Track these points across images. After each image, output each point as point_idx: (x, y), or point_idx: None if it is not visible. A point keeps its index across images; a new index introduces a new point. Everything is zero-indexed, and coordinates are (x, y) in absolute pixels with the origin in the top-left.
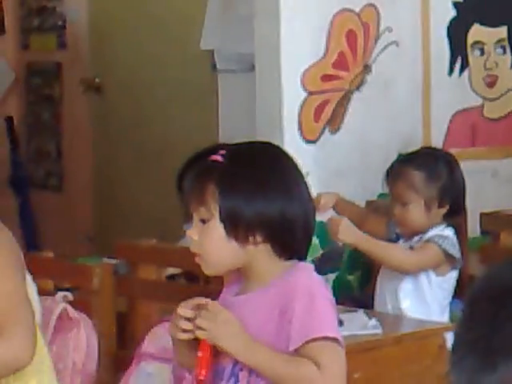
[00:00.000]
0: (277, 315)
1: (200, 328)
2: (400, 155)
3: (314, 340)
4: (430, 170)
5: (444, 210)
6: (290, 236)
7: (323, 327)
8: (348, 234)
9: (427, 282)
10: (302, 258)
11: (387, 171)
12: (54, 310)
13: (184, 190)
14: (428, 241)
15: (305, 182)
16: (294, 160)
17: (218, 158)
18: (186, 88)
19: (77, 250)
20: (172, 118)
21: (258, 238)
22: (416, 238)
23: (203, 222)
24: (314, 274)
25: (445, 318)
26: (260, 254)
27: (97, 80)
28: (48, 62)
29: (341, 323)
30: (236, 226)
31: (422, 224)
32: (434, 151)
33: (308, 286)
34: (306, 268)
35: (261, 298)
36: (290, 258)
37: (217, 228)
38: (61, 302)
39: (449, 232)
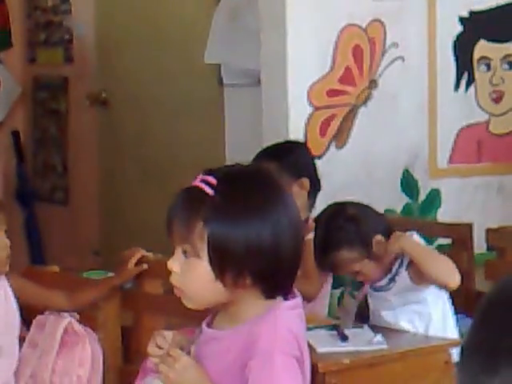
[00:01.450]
0: (238, 367)
1: (161, 373)
2: (314, 245)
3: None
4: (345, 239)
5: (380, 240)
6: (280, 274)
7: None
8: (398, 246)
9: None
10: (286, 293)
11: (317, 263)
12: (60, 325)
13: (168, 216)
14: None
15: (295, 208)
16: (284, 185)
17: (208, 189)
18: (193, 102)
19: (82, 264)
20: (178, 132)
21: (248, 282)
22: (386, 278)
23: (185, 253)
24: (285, 322)
25: (450, 324)
26: (246, 295)
27: (103, 94)
28: (55, 76)
29: (346, 338)
30: (225, 269)
31: (383, 265)
32: (325, 217)
33: (269, 346)
34: (278, 317)
35: (230, 339)
36: (275, 297)
37: (203, 268)
38: (66, 316)
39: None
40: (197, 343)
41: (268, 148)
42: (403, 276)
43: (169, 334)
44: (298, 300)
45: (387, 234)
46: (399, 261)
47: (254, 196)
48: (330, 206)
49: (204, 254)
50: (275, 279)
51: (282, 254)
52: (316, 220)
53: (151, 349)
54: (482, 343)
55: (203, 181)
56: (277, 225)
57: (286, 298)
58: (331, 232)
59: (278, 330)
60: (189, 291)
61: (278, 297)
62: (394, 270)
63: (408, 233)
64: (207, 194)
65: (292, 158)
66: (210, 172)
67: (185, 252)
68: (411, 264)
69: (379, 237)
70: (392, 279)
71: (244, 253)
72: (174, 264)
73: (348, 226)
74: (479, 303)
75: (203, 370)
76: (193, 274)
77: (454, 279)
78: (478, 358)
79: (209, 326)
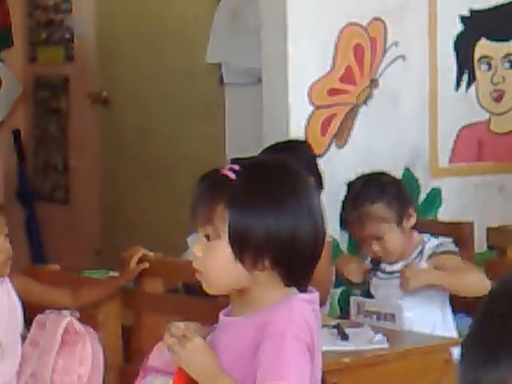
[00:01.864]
0: (251, 354)
1: (172, 352)
2: (345, 199)
3: None
4: (382, 194)
5: (412, 218)
6: (298, 261)
7: (284, 375)
8: (419, 280)
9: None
10: (303, 283)
11: (342, 220)
12: (61, 324)
13: (193, 203)
14: (443, 253)
15: (318, 201)
16: (308, 178)
17: (230, 173)
18: (193, 101)
19: (83, 263)
20: (179, 130)
21: (266, 264)
22: (402, 263)
23: (208, 238)
24: (300, 310)
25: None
26: (264, 279)
27: (104, 93)
28: (55, 75)
29: (347, 338)
30: (245, 250)
31: (404, 245)
32: (363, 177)
33: (282, 329)
34: (293, 304)
35: (246, 325)
36: (292, 285)
37: (223, 249)
38: (67, 315)
39: (435, 239)
40: (213, 334)
41: (270, 147)
42: (423, 267)
43: (183, 324)
44: (315, 296)
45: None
46: (419, 249)
47: (275, 182)
48: (364, 175)
49: (225, 234)
50: (293, 265)
51: (300, 241)
52: (349, 183)
53: (167, 338)
54: (484, 336)
55: (228, 168)
56: (296, 212)
57: (302, 291)
58: (370, 187)
59: (292, 315)
60: (209, 274)
61: (295, 285)
62: (410, 259)
63: (440, 240)
64: (230, 179)
65: (295, 157)
66: (236, 161)
67: (207, 236)
68: (435, 256)
69: (412, 210)
70: (406, 266)
71: (263, 236)
72: (197, 248)
73: (389, 186)
74: (482, 298)
75: (215, 355)
76: (214, 256)
77: (485, 291)
78: (480, 351)
79: (226, 316)
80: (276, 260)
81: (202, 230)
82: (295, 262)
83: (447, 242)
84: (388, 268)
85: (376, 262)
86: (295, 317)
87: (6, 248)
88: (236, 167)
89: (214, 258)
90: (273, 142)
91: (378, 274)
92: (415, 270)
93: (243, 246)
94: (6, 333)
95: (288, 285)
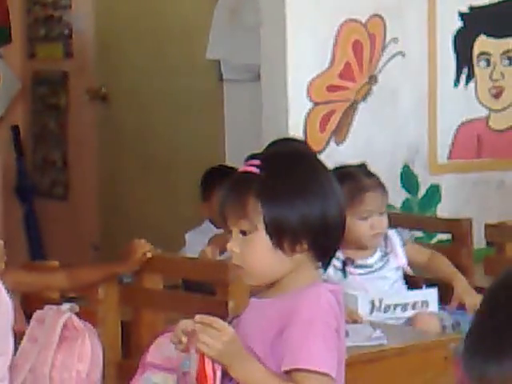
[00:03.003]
0: (272, 335)
1: (203, 344)
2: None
3: (299, 370)
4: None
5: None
6: (330, 239)
7: (311, 360)
8: (473, 296)
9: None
10: (331, 258)
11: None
12: (60, 320)
13: (221, 204)
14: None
15: (336, 183)
16: (324, 164)
17: (254, 169)
18: (193, 97)
19: (82, 259)
20: (178, 126)
21: (305, 246)
22: (378, 253)
23: (243, 233)
24: (327, 298)
25: None
26: (303, 261)
27: (103, 89)
28: (54, 71)
29: (346, 334)
30: (282, 236)
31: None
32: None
33: (310, 313)
34: (322, 292)
35: (272, 307)
36: (325, 261)
37: (262, 240)
38: (66, 311)
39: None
40: (242, 314)
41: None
42: (399, 254)
43: (199, 317)
44: (339, 288)
45: None
46: (390, 240)
47: (296, 168)
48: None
49: (261, 225)
50: (327, 242)
51: (331, 219)
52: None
53: (178, 334)
54: (487, 333)
55: (248, 165)
56: (321, 192)
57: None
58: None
59: (320, 301)
60: (250, 267)
61: (327, 261)
62: (383, 247)
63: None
64: (254, 173)
65: None
66: (252, 156)
67: (243, 232)
68: (409, 244)
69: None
70: (385, 255)
71: (297, 220)
72: (234, 245)
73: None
74: (485, 292)
75: (240, 340)
76: (253, 248)
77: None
78: (483, 347)
79: (256, 298)
80: (313, 241)
81: (237, 226)
82: (329, 240)
83: (403, 231)
84: (363, 262)
85: (350, 261)
86: (324, 305)
87: None
88: (256, 162)
89: (254, 251)
90: (272, 138)
91: (356, 270)
92: (466, 291)
93: (281, 234)
94: None
95: (322, 262)
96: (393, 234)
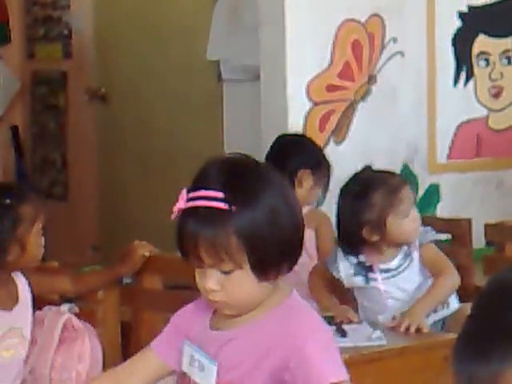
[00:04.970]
0: (272, 359)
1: None
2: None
3: None
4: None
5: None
6: (299, 253)
7: (337, 372)
8: (417, 319)
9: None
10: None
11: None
12: (59, 321)
13: (192, 244)
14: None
15: (289, 187)
16: (268, 166)
17: (222, 205)
18: (192, 97)
19: (81, 260)
20: (177, 127)
21: (285, 270)
22: (399, 256)
23: (225, 273)
24: (310, 311)
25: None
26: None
27: (102, 89)
28: (53, 71)
29: (345, 334)
30: (268, 269)
31: None
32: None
33: (307, 332)
34: (299, 303)
35: (257, 333)
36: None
37: (248, 277)
38: (65, 312)
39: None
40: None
41: (277, 141)
42: (415, 257)
43: None
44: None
45: None
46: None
47: (261, 192)
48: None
49: (245, 264)
50: (297, 258)
51: (301, 235)
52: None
53: None
54: (475, 333)
55: (206, 198)
56: (290, 211)
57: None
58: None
59: (305, 320)
60: (236, 302)
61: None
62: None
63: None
64: (224, 210)
65: (303, 151)
66: (203, 187)
67: (225, 272)
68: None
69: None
70: (408, 254)
71: (279, 249)
72: (213, 283)
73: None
74: (476, 295)
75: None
76: (237, 286)
77: (458, 281)
78: (471, 347)
79: (216, 329)
80: (292, 262)
81: (216, 267)
82: (300, 253)
83: (429, 230)
84: (385, 266)
85: (373, 266)
86: (311, 320)
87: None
88: (217, 194)
89: (240, 287)
90: (271, 138)
91: (380, 275)
92: (407, 315)
93: (266, 268)
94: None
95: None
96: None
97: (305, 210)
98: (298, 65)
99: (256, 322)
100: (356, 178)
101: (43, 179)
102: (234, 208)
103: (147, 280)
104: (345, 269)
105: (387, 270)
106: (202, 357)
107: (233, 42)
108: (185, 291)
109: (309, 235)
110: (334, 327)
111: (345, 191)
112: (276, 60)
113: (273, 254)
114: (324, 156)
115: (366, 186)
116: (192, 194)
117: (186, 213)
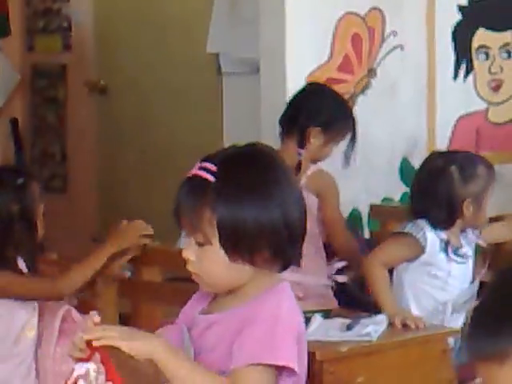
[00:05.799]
0: (235, 337)
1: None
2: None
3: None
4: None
5: None
6: (293, 244)
7: (277, 354)
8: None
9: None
10: (298, 261)
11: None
12: (58, 313)
13: (175, 210)
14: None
15: (295, 182)
16: (282, 160)
17: (209, 176)
18: (191, 90)
19: (81, 252)
20: (177, 119)
21: (267, 255)
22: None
23: (199, 244)
24: (287, 299)
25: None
26: (260, 270)
27: (102, 82)
28: (53, 63)
29: (351, 328)
30: (239, 249)
31: None
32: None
33: (273, 312)
34: (281, 293)
35: (233, 318)
36: (288, 266)
37: (217, 254)
38: (64, 304)
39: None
40: (191, 335)
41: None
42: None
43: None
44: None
45: None
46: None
47: (254, 175)
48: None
49: (215, 240)
50: (290, 249)
51: (293, 223)
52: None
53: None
54: (488, 311)
55: (203, 168)
56: (281, 196)
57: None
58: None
59: (282, 303)
60: (207, 277)
61: (289, 266)
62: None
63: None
64: (209, 182)
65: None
66: (207, 159)
67: (198, 243)
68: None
69: None
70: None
71: (256, 230)
72: (189, 252)
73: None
74: (492, 277)
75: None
76: (208, 262)
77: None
78: (481, 329)
79: (204, 313)
80: (276, 249)
81: (192, 236)
82: (291, 246)
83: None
84: (461, 251)
85: (451, 245)
86: (285, 303)
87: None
88: (211, 167)
89: (210, 263)
90: (271, 131)
91: (455, 258)
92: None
93: (236, 247)
94: None
95: (285, 268)
96: None
97: (309, 171)
98: (297, 58)
99: (237, 309)
100: (443, 156)
101: (43, 172)
102: (217, 182)
103: (146, 272)
104: (432, 241)
105: (460, 255)
106: (186, 340)
107: (232, 35)
108: (184, 283)
109: (311, 201)
110: (348, 321)
111: (442, 163)
112: (276, 53)
113: (246, 236)
114: (343, 111)
115: (470, 159)
116: (199, 164)
117: (185, 179)
